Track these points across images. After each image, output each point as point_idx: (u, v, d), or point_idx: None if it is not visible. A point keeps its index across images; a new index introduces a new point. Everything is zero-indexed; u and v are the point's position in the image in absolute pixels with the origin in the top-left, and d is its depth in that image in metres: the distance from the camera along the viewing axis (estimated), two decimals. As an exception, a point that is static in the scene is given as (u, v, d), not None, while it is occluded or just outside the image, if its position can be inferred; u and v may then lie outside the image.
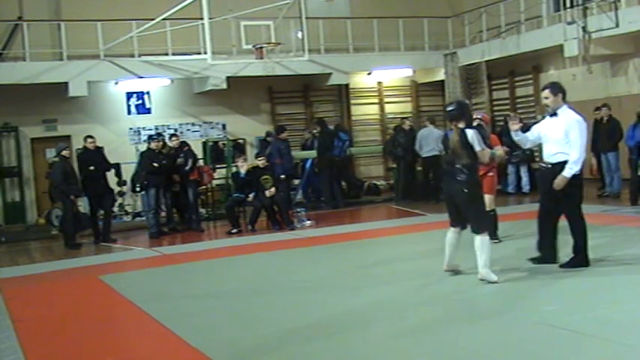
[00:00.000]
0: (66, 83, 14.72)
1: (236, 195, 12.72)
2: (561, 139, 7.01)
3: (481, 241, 6.87)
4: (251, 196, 12.44)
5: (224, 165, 15.59)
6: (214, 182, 15.13)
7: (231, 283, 8.13)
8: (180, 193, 13.29)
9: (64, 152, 12.06)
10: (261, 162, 12.83)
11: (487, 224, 6.97)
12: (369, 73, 18.15)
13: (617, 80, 15.52)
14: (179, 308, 7.00)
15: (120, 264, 10.20)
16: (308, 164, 15.44)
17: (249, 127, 17.55)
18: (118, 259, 10.77)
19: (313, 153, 15.34)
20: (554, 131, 7.09)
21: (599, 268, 7.29)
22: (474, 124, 7.29)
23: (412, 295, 6.94)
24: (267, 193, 12.36)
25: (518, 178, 15.26)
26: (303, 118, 18.13)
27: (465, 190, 6.87)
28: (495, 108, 18.21)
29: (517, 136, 7.31)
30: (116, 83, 16.02)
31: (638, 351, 4.81)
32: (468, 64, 17.35)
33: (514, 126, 7.36)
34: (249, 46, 13.69)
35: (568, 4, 14.42)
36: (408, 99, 19.24)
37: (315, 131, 15.80)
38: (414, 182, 15.40)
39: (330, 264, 8.77)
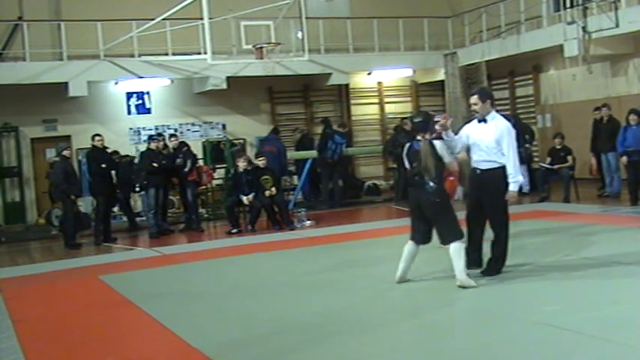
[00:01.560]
0: (66, 83, 14.72)
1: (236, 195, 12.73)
2: (492, 146, 6.97)
3: (455, 248, 6.80)
4: (244, 198, 12.43)
5: (224, 165, 15.60)
6: (214, 182, 15.14)
7: (231, 283, 8.13)
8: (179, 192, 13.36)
9: (64, 152, 12.07)
10: (261, 162, 12.83)
11: (459, 231, 6.89)
12: (369, 73, 18.15)
13: (617, 80, 15.52)
14: (179, 308, 7.00)
15: (120, 264, 10.19)
16: (308, 164, 15.44)
17: (249, 127, 17.55)
18: (118, 259, 10.77)
19: (312, 153, 15.35)
20: (484, 138, 7.02)
21: (599, 268, 7.29)
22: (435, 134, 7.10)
23: (414, 294, 6.94)
24: (267, 193, 12.37)
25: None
26: (303, 118, 18.13)
27: (437, 200, 6.82)
28: (495, 108, 18.17)
29: (447, 137, 7.10)
30: (116, 83, 16.03)
31: (638, 351, 4.81)
32: (468, 64, 17.34)
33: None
34: (249, 46, 13.68)
35: (568, 4, 14.41)
36: (408, 99, 19.23)
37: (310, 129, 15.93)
38: None
39: (330, 264, 8.76)
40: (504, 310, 6.06)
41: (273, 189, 12.44)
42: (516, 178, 6.92)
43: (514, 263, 7.64)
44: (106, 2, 15.74)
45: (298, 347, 5.49)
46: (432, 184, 6.79)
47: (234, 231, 12.32)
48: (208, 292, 7.69)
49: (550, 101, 17.21)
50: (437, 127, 6.99)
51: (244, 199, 12.48)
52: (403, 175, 15.14)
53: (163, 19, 13.96)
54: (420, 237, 7.03)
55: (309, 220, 12.81)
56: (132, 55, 15.20)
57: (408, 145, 7.10)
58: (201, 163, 14.56)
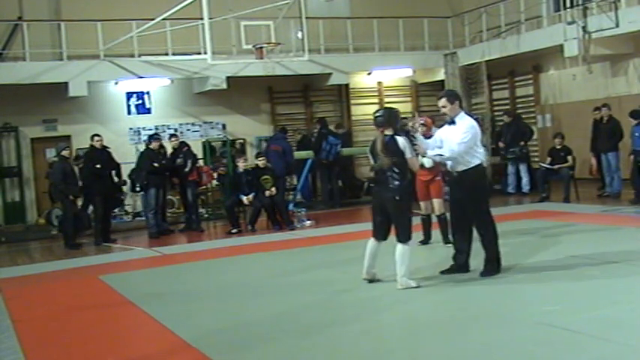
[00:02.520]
0: (66, 83, 14.71)
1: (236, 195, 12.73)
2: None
3: (403, 250, 6.86)
4: (244, 198, 12.44)
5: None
6: (214, 182, 15.14)
7: (231, 283, 8.12)
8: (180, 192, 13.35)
9: (63, 152, 12.07)
10: (261, 162, 12.84)
11: (410, 234, 6.94)
12: (369, 73, 18.14)
13: (617, 80, 15.51)
14: (179, 308, 7.00)
15: (120, 264, 10.20)
16: (308, 164, 15.44)
17: (249, 127, 17.55)
18: (118, 259, 10.77)
19: (311, 153, 15.35)
20: (454, 139, 7.09)
21: (600, 268, 7.29)
22: (406, 131, 7.29)
23: (413, 294, 6.94)
24: (267, 193, 12.37)
25: (519, 179, 15.27)
26: (303, 118, 18.13)
27: (397, 198, 6.86)
28: (495, 108, 18.20)
29: (417, 139, 7.23)
30: (116, 83, 16.02)
31: (638, 351, 4.81)
32: (468, 64, 17.33)
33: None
34: (249, 46, 13.67)
35: (568, 4, 14.41)
36: (408, 99, 19.21)
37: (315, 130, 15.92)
38: (414, 182, 15.33)
39: (330, 264, 8.75)
40: (504, 310, 6.06)
41: (273, 189, 12.44)
42: (443, 155, 7.07)
43: (514, 263, 7.64)
44: (106, 2, 15.74)
45: (299, 347, 5.49)
46: (395, 181, 6.86)
47: (234, 231, 12.32)
48: (208, 292, 7.69)
49: (550, 101, 17.20)
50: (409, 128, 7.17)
51: (244, 199, 12.48)
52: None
53: (163, 19, 13.96)
54: (381, 234, 7.11)
55: (309, 220, 12.81)
56: (132, 55, 15.19)
57: (372, 141, 7.17)
58: (201, 162, 14.56)
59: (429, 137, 8.52)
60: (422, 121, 9.24)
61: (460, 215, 7.26)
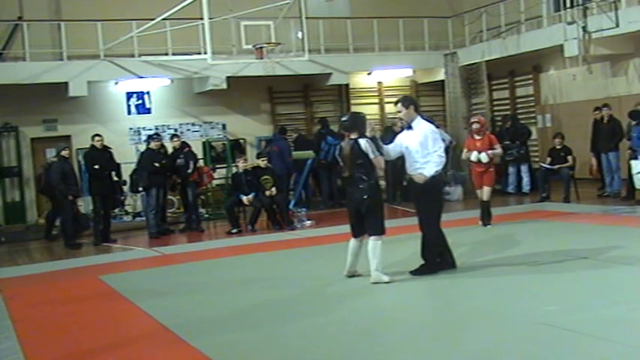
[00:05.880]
0: (66, 83, 14.71)
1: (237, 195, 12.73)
2: (418, 149, 7.32)
3: (374, 245, 7.15)
4: (244, 198, 12.43)
5: (224, 165, 15.58)
6: (214, 182, 15.13)
7: (231, 283, 8.13)
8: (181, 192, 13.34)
9: (63, 152, 12.06)
10: (262, 162, 12.84)
11: (383, 229, 7.25)
12: (369, 73, 18.14)
13: (617, 80, 15.51)
14: (179, 308, 7.01)
15: (120, 264, 10.21)
16: (308, 164, 15.42)
17: (249, 127, 17.55)
18: (118, 259, 10.78)
19: (310, 153, 15.33)
20: (411, 144, 7.39)
21: (600, 268, 7.30)
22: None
23: (413, 295, 6.95)
24: (268, 193, 12.37)
25: (519, 179, 15.27)
26: (303, 118, 18.13)
27: (365, 197, 7.13)
28: (495, 108, 18.21)
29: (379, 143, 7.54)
30: (116, 83, 16.02)
31: (638, 351, 4.81)
32: (468, 64, 17.33)
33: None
34: (249, 46, 13.67)
35: (568, 4, 14.39)
36: (408, 99, 19.20)
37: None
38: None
39: (330, 264, 8.75)
40: (504, 310, 6.05)
41: (274, 189, 12.44)
42: (432, 169, 7.26)
43: (514, 263, 7.65)
44: (106, 2, 15.74)
45: (299, 347, 5.49)
46: (363, 182, 7.12)
47: (234, 231, 12.33)
48: (208, 292, 7.70)
49: (550, 101, 17.20)
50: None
51: (244, 199, 12.48)
52: (391, 174, 15.19)
53: (163, 19, 13.95)
54: (359, 232, 7.34)
55: (309, 220, 12.81)
56: (132, 55, 15.19)
57: (340, 146, 7.48)
58: (201, 163, 14.56)
59: (483, 135, 10.43)
60: (476, 120, 10.85)
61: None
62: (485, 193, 10.54)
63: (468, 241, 9.37)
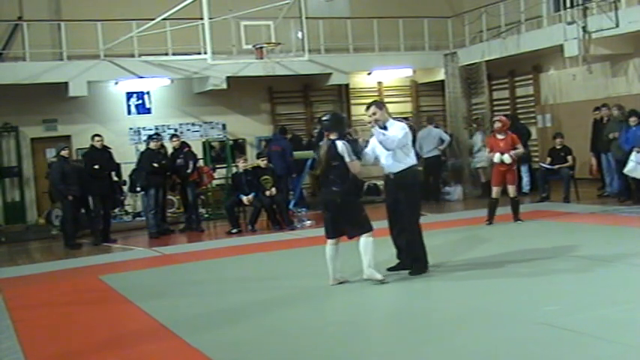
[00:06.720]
0: (66, 83, 14.71)
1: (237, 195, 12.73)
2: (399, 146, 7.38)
3: (365, 242, 7.06)
4: (244, 198, 12.43)
5: (224, 165, 15.57)
6: (214, 182, 15.12)
7: (231, 283, 8.13)
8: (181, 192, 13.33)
9: (62, 152, 12.07)
10: (262, 162, 12.84)
11: (369, 225, 7.14)
12: (369, 73, 18.14)
13: (617, 80, 15.51)
14: (179, 308, 7.00)
15: (120, 264, 10.20)
16: (307, 164, 15.40)
17: (249, 127, 17.54)
18: (118, 259, 10.78)
19: (310, 153, 15.31)
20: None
21: (600, 268, 7.29)
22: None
23: (412, 295, 6.95)
24: (268, 193, 12.37)
25: (519, 179, 15.24)
26: (303, 118, 18.13)
27: (338, 200, 7.06)
28: (495, 108, 18.19)
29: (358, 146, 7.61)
30: (116, 83, 16.02)
31: (638, 351, 4.81)
32: (468, 64, 17.32)
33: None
34: (249, 46, 13.68)
35: (568, 4, 14.39)
36: (408, 99, 19.21)
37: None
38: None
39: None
40: (504, 310, 6.05)
41: (273, 189, 12.44)
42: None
43: (513, 263, 7.65)
44: (106, 2, 15.74)
45: (300, 347, 5.49)
46: (337, 184, 7.05)
47: (234, 231, 12.33)
48: (208, 292, 7.69)
49: (550, 101, 17.20)
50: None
51: (244, 199, 12.48)
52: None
53: (163, 19, 13.95)
54: (332, 233, 7.23)
55: (309, 220, 12.81)
56: (132, 55, 15.19)
57: (319, 146, 7.41)
58: (201, 163, 14.55)
59: (505, 134, 10.71)
60: (497, 119, 11.15)
61: (397, 215, 7.54)
62: (510, 191, 10.82)
63: (468, 241, 9.38)
